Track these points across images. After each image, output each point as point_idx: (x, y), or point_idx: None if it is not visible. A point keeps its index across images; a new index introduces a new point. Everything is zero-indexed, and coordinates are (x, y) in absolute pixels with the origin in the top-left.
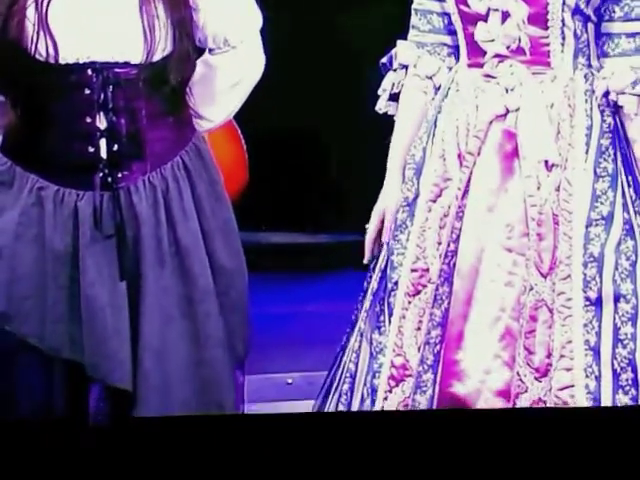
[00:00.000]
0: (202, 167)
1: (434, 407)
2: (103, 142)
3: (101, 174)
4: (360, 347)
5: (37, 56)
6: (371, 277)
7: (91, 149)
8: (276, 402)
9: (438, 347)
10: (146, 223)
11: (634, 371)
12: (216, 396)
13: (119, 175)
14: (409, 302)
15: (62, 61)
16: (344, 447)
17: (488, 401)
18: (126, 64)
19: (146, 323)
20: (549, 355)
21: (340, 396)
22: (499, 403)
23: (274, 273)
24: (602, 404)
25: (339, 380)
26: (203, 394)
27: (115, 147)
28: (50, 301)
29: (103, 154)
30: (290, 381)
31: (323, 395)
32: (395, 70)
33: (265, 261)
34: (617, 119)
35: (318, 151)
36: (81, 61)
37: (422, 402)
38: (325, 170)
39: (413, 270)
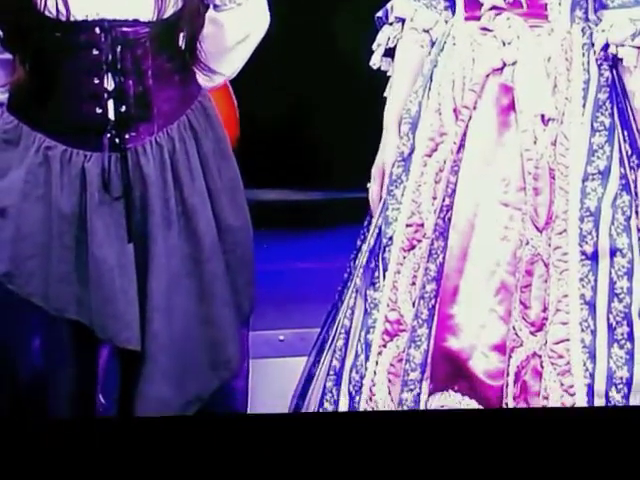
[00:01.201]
0: (208, 125)
1: (429, 361)
2: (111, 103)
3: (109, 135)
4: (355, 304)
5: (47, 13)
6: (365, 234)
7: (99, 110)
8: (268, 359)
9: (433, 302)
10: (154, 184)
11: (629, 325)
12: (223, 355)
13: (127, 136)
14: (404, 257)
15: (72, 18)
16: (344, 447)
17: (483, 355)
18: (135, 22)
19: (154, 284)
20: (545, 309)
21: (334, 352)
22: (494, 357)
23: (266, 230)
24: (597, 358)
25: (333, 336)
26: (210, 353)
27: (123, 108)
28: (55, 261)
29: (111, 115)
30: (282, 338)
31: (316, 352)
32: (391, 24)
33: (257, 218)
34: (615, 73)
35: (312, 107)
36: (90, 18)
37: (416, 356)
38: (318, 126)
39: (408, 225)
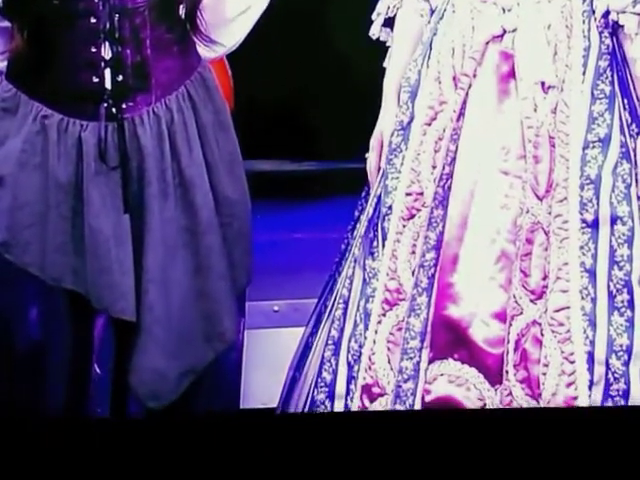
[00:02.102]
0: (207, 97)
1: (428, 330)
2: (108, 72)
3: (105, 105)
4: (354, 273)
5: None
6: (363, 204)
7: (95, 79)
8: (263, 329)
9: (432, 270)
10: (150, 155)
11: (630, 293)
12: (218, 327)
13: (124, 106)
14: (403, 226)
15: None
16: (343, 447)
17: (483, 323)
18: None
19: (150, 255)
20: (545, 277)
21: (333, 322)
22: (494, 325)
23: (260, 201)
24: (597, 325)
25: (331, 307)
26: (205, 325)
27: (120, 78)
28: (51, 231)
29: (107, 84)
30: (276, 308)
31: (313, 323)
32: None
33: (252, 189)
34: (615, 40)
35: (307, 77)
36: None
37: (416, 325)
38: (313, 96)
39: (407, 194)
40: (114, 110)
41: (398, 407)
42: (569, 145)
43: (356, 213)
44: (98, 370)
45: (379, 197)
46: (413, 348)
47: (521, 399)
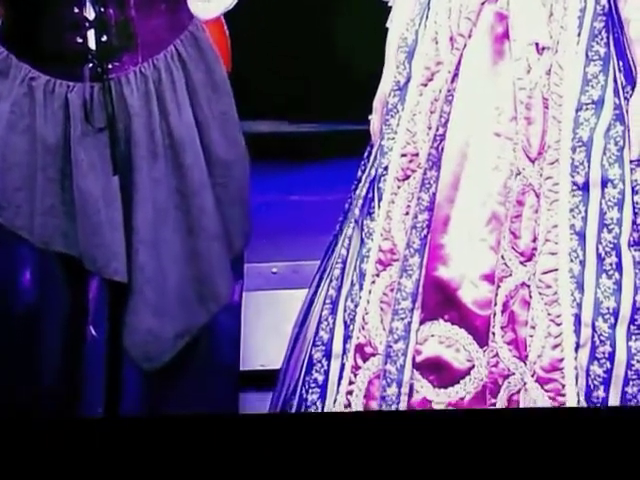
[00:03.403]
0: (199, 56)
1: (420, 291)
2: (91, 33)
3: (90, 65)
4: (353, 233)
5: None
6: (366, 164)
7: (79, 40)
8: (261, 291)
9: (425, 231)
10: (138, 115)
11: (618, 256)
12: (211, 289)
13: (109, 66)
14: (398, 187)
15: None
16: (342, 447)
17: (472, 285)
18: None
19: (139, 216)
20: (534, 239)
21: (331, 281)
22: (483, 287)
23: (259, 162)
24: (585, 288)
25: (331, 266)
26: (199, 287)
27: (104, 38)
28: (40, 194)
29: (92, 45)
30: (275, 270)
31: (317, 282)
32: None
33: (250, 150)
34: (611, 1)
35: (306, 37)
36: None
37: (408, 286)
38: (312, 56)
39: (403, 155)
40: (99, 70)
41: (389, 367)
42: (562, 107)
43: (359, 173)
44: (94, 332)
45: (375, 158)
46: (404, 309)
47: (508, 361)
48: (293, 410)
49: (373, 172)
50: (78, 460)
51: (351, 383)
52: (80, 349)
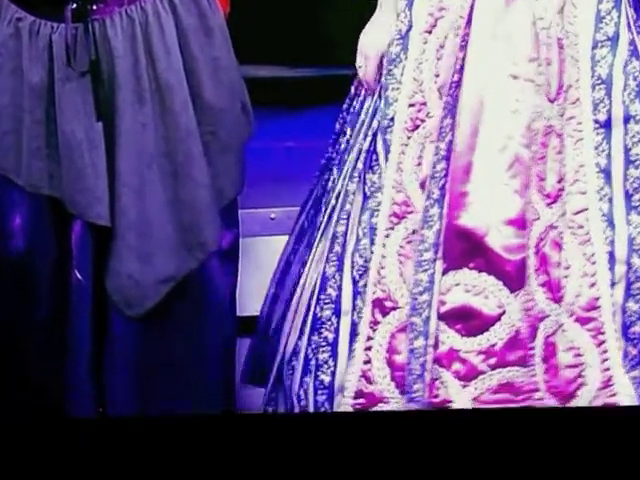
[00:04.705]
0: (191, 0)
1: (441, 241)
2: None
3: (74, 5)
4: (356, 188)
5: None
6: (345, 117)
7: None
8: (259, 237)
9: (443, 180)
10: (122, 58)
11: None
12: (197, 236)
13: (93, 7)
14: (408, 137)
15: None
16: (341, 447)
17: (498, 231)
18: None
19: (123, 160)
20: (560, 180)
21: (335, 238)
22: (510, 232)
23: (255, 107)
24: (616, 225)
25: (329, 223)
26: (184, 234)
27: None
28: (26, 137)
29: None
30: (273, 216)
31: (296, 238)
32: None
33: (248, 95)
34: None
35: None
36: None
37: (429, 236)
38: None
39: (411, 105)
40: (82, 11)
41: (415, 319)
42: (578, 45)
43: (337, 126)
44: (79, 276)
45: (375, 110)
46: (427, 260)
47: (542, 303)
48: (297, 372)
49: (375, 124)
50: (74, 460)
51: (369, 339)
52: (66, 293)
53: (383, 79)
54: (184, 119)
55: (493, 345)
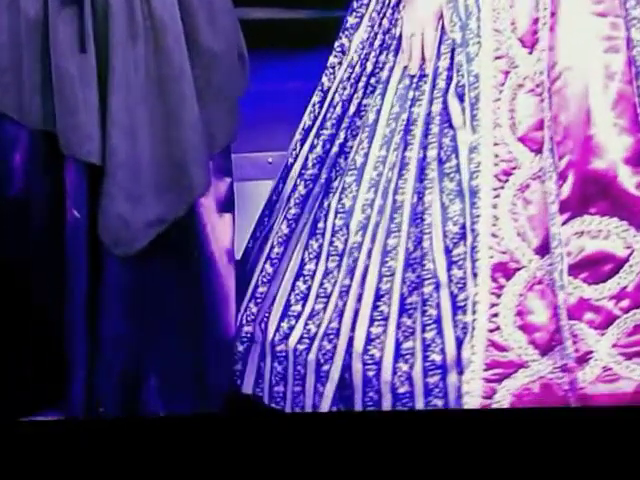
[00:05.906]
0: None
1: (560, 191)
2: None
3: None
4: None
5: None
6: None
7: None
8: (257, 181)
9: (554, 129)
10: None
11: None
12: (186, 179)
13: None
14: (500, 92)
15: None
16: (341, 447)
17: (619, 175)
18: None
19: (114, 98)
20: None
21: (398, 208)
22: (626, 170)
23: (252, 50)
24: None
25: (397, 190)
26: (173, 175)
27: None
28: (25, 72)
29: None
30: (271, 160)
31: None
32: None
33: (245, 38)
34: None
35: None
36: None
37: (553, 188)
38: None
39: (497, 57)
40: None
41: (555, 275)
42: None
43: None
44: (77, 214)
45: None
46: (554, 213)
47: None
48: (385, 360)
49: (442, 85)
50: (75, 460)
51: (493, 305)
52: (62, 231)
53: (454, 35)
54: (177, 58)
55: (624, 287)
